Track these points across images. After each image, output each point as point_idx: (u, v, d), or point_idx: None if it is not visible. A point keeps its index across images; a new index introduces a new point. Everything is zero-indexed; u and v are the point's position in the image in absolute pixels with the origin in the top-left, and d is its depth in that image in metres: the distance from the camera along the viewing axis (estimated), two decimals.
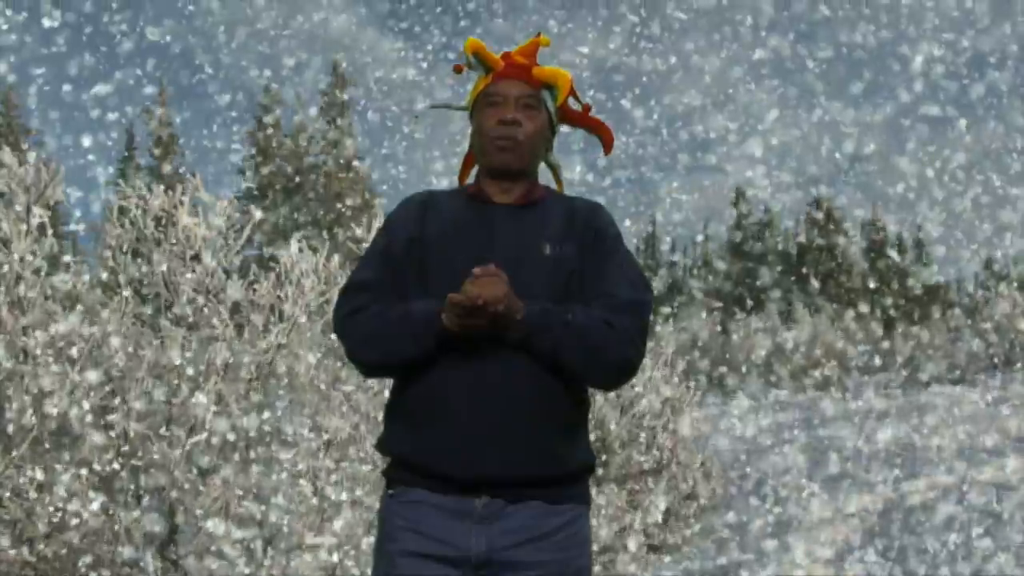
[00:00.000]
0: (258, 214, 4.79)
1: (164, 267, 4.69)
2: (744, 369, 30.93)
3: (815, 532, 8.48)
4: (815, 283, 39.19)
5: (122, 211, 4.75)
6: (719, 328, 35.90)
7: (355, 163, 36.87)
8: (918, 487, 11.25)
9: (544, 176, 2.88)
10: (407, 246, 2.64)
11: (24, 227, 4.53)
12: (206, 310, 4.69)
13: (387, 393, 2.83)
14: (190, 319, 4.77)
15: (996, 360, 33.94)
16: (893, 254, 47.65)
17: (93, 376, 4.40)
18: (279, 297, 4.81)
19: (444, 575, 2.49)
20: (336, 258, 5.07)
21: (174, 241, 4.68)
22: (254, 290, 4.80)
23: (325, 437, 5.21)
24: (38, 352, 4.38)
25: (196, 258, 4.73)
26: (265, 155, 38.01)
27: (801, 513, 9.37)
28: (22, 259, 4.52)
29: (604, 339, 2.52)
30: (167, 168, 36.66)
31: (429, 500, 2.52)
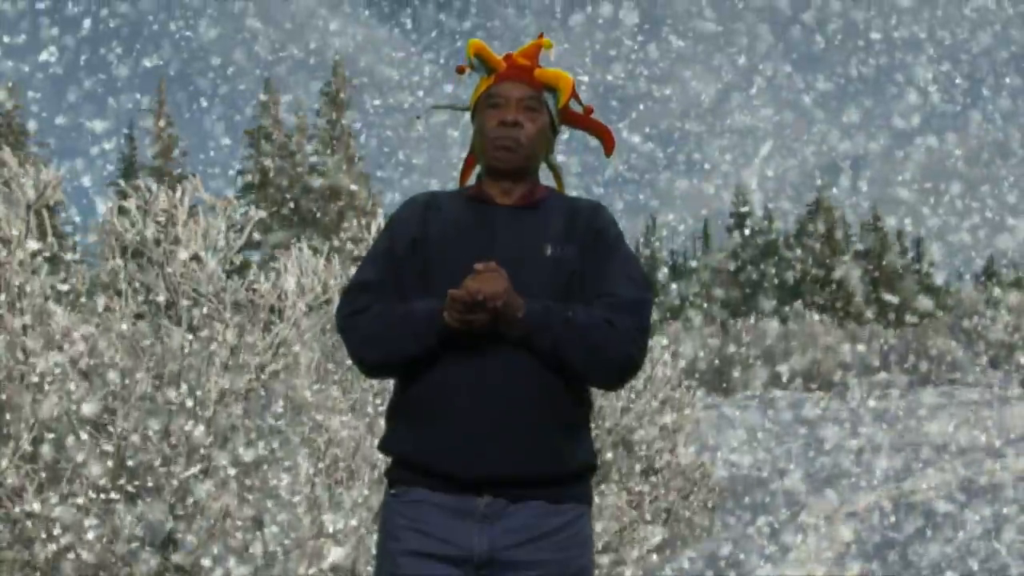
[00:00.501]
0: (261, 213, 4.78)
1: (166, 268, 4.68)
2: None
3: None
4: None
5: (122, 211, 4.76)
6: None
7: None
8: (917, 490, 11.27)
9: (545, 178, 2.89)
10: (410, 246, 2.65)
11: (24, 227, 4.52)
12: (206, 310, 4.68)
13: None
14: (193, 322, 4.75)
15: (997, 369, 34.19)
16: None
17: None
18: (279, 297, 4.80)
19: (446, 574, 2.48)
20: (336, 260, 5.08)
21: (174, 241, 4.68)
22: (254, 290, 4.80)
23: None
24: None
25: (196, 258, 4.72)
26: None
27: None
28: (21, 262, 4.52)
29: (605, 337, 2.51)
30: (168, 168, 36.94)
31: (431, 499, 2.52)
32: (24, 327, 4.47)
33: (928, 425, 17.75)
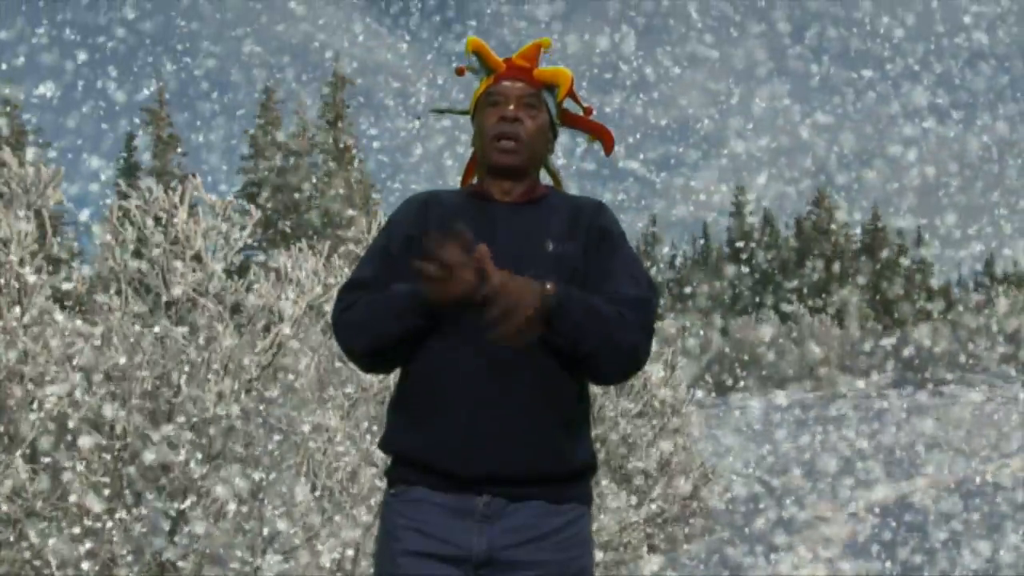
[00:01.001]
0: (257, 213, 4.80)
1: (166, 268, 4.69)
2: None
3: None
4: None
5: (122, 211, 4.77)
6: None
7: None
8: (919, 487, 11.30)
9: (544, 182, 2.89)
10: (406, 243, 2.62)
11: (24, 227, 4.54)
12: (206, 310, 4.69)
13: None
14: (190, 320, 4.76)
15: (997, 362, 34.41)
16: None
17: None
18: (278, 297, 4.80)
19: (446, 575, 2.46)
20: (336, 259, 5.10)
21: (174, 241, 4.69)
22: (254, 290, 4.80)
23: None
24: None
25: (196, 258, 4.73)
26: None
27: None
28: (21, 260, 4.54)
29: (618, 323, 2.48)
30: (167, 167, 37.07)
31: (430, 499, 2.49)
32: (24, 328, 4.48)
33: (927, 428, 17.79)
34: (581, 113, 2.89)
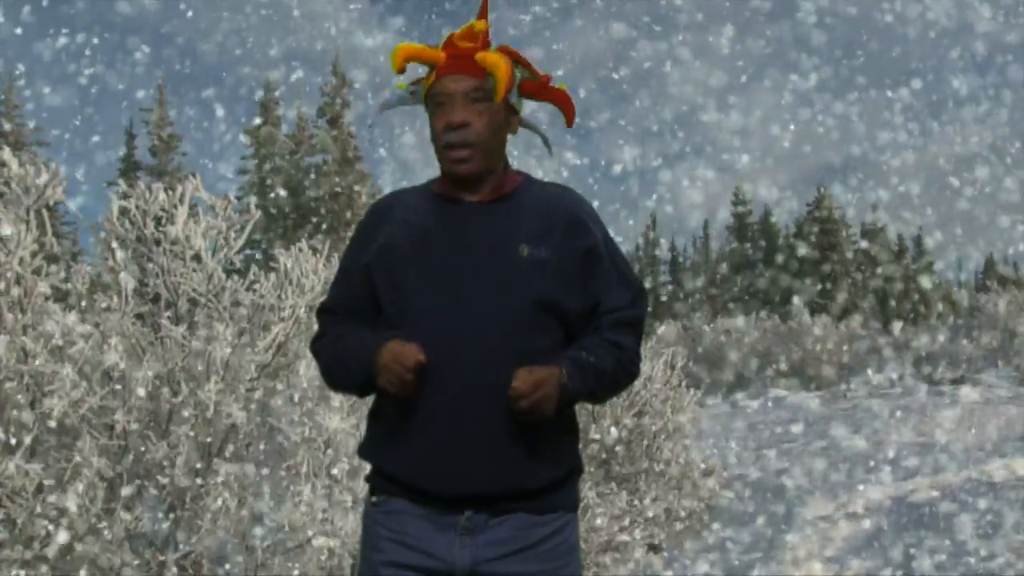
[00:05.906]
0: (258, 213, 4.80)
1: (166, 268, 4.69)
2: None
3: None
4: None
5: (122, 211, 4.76)
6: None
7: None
8: (918, 490, 11.27)
9: (527, 153, 2.86)
10: (363, 273, 2.59)
11: (24, 227, 4.53)
12: (207, 309, 4.68)
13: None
14: (191, 320, 4.76)
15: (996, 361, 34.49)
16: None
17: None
18: (279, 297, 4.80)
19: None
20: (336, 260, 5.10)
21: (174, 241, 4.69)
22: (254, 290, 4.80)
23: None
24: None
25: (196, 258, 4.73)
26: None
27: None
28: (22, 260, 4.53)
29: (622, 370, 2.55)
30: (167, 166, 37.12)
31: (412, 511, 2.47)
32: (24, 328, 4.47)
33: (927, 428, 17.77)
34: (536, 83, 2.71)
